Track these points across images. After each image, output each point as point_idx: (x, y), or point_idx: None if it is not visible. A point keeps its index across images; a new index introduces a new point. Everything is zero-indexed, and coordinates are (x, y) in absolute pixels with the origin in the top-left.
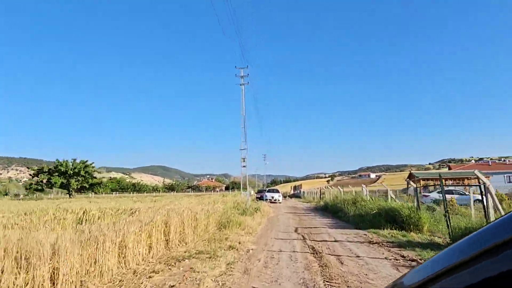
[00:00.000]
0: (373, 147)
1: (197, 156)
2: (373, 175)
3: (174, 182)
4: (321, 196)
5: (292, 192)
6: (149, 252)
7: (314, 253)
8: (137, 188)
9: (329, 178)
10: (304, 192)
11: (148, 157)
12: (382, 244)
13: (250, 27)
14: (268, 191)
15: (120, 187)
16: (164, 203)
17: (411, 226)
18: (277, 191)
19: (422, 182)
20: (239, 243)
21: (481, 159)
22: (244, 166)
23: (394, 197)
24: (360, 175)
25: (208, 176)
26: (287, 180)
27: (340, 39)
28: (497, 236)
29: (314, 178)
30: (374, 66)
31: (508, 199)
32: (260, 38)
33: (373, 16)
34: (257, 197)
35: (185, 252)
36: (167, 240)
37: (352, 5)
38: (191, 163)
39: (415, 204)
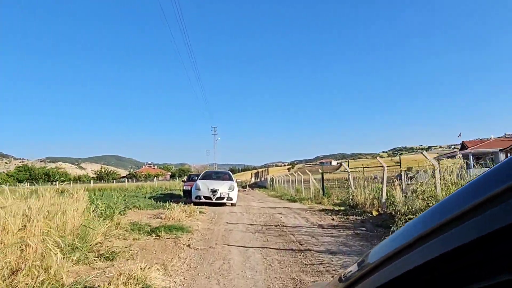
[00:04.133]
0: (327, 137)
1: (155, 145)
2: (334, 163)
3: (103, 170)
4: (323, 189)
5: (253, 180)
6: None
7: None
8: (52, 178)
9: (290, 166)
10: (272, 179)
11: (102, 147)
12: None
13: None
14: (204, 178)
15: (32, 177)
16: None
17: None
18: (227, 178)
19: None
20: None
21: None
22: None
23: None
24: (321, 162)
25: (150, 163)
26: (246, 169)
27: (292, 30)
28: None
29: (273, 167)
30: (323, 56)
31: None
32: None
33: (324, 7)
34: (184, 191)
35: None
36: None
37: None
38: (148, 152)
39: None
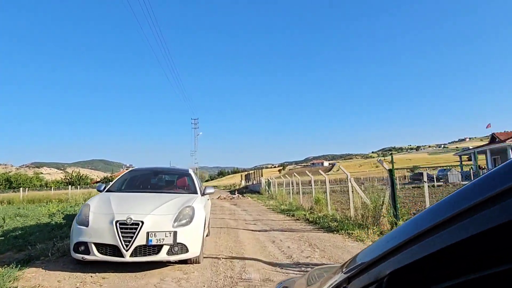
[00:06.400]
0: (317, 138)
1: (144, 149)
2: (326, 163)
3: (74, 175)
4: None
5: (243, 183)
6: None
7: None
8: (15, 185)
9: (281, 168)
10: (269, 183)
11: (91, 152)
12: None
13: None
14: (123, 186)
15: None
16: None
17: None
18: (183, 186)
19: None
20: None
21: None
22: None
23: None
24: (313, 163)
25: (129, 166)
26: (235, 171)
27: (279, 29)
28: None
29: (263, 169)
30: (311, 57)
31: None
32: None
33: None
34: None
35: None
36: None
37: None
38: (136, 156)
39: None
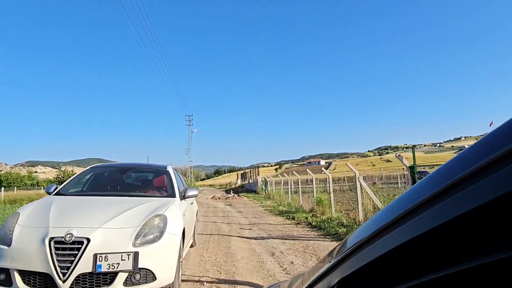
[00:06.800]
0: (313, 137)
1: (139, 148)
2: (322, 162)
3: (67, 173)
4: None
5: (239, 182)
6: None
7: None
8: (5, 184)
9: (277, 166)
10: (265, 182)
11: (85, 150)
12: None
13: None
14: (75, 188)
15: None
16: None
17: None
18: (159, 187)
19: None
20: None
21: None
22: None
23: None
24: (309, 162)
25: None
26: (232, 170)
27: (272, 32)
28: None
29: (259, 167)
30: (306, 56)
31: None
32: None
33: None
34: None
35: None
36: None
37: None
38: (132, 155)
39: None
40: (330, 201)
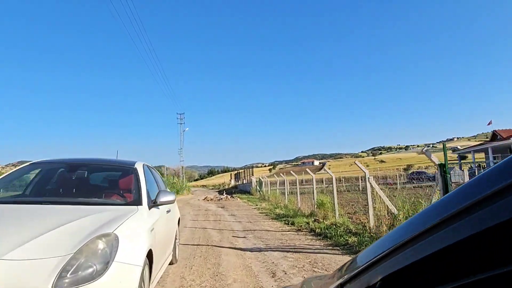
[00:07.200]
0: (306, 137)
1: (131, 148)
2: (316, 162)
3: None
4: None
5: (233, 183)
6: None
7: None
8: None
9: (271, 167)
10: (260, 182)
11: (77, 150)
12: None
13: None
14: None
15: None
16: None
17: None
18: (124, 189)
19: None
20: None
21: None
22: None
23: None
24: (303, 163)
25: None
26: (225, 170)
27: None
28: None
29: (253, 168)
30: (298, 57)
31: None
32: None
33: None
34: None
35: None
36: None
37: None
38: (125, 155)
39: None
40: (334, 203)
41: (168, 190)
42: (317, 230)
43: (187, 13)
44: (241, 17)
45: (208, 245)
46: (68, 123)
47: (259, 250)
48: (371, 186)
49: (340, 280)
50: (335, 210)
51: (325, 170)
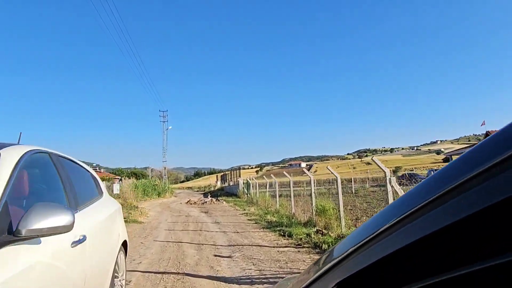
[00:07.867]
0: (293, 140)
1: (118, 150)
2: (303, 164)
3: None
4: None
5: (219, 185)
6: None
7: None
8: None
9: (258, 169)
10: (248, 184)
11: (80, 153)
12: None
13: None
14: None
15: None
16: None
17: None
18: None
19: None
20: None
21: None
22: None
23: None
24: (290, 165)
25: (96, 166)
26: (212, 172)
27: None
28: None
29: (240, 169)
30: (284, 60)
31: None
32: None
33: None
34: None
35: None
36: None
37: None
38: (113, 158)
39: None
40: (339, 210)
41: (112, 199)
42: (324, 246)
43: (173, 15)
44: (228, 19)
45: (178, 273)
46: (52, 121)
47: (250, 280)
48: (394, 190)
49: (315, 275)
50: (340, 218)
51: (329, 170)
